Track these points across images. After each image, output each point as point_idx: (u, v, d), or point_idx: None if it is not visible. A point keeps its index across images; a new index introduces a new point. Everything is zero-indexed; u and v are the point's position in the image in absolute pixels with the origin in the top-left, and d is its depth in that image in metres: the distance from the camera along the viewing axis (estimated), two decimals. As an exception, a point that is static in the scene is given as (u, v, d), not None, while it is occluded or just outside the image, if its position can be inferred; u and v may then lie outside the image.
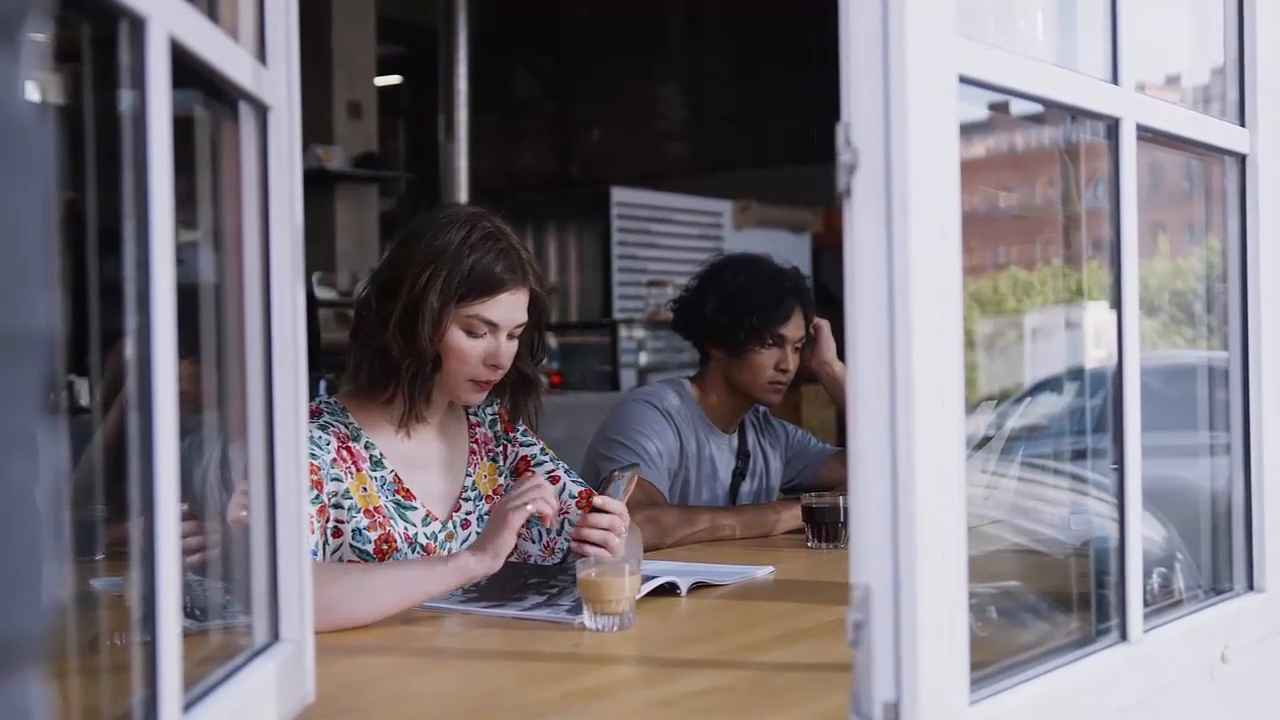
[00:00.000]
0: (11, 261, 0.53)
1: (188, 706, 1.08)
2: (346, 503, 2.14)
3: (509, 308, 2.20)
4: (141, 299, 1.00)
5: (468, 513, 2.32)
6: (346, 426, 2.21)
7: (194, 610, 1.37)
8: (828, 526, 2.63)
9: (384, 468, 2.22)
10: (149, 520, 1.01)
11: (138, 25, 0.99)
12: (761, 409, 3.19)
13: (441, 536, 2.25)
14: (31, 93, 0.56)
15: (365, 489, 2.18)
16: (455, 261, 2.15)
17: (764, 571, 2.34)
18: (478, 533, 2.29)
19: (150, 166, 1.00)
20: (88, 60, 1.01)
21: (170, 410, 1.02)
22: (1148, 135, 1.57)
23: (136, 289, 1.00)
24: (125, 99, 1.01)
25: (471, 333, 2.18)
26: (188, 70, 1.10)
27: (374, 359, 2.19)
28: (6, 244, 0.53)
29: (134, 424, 1.01)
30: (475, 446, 2.37)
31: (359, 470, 2.18)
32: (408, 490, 2.23)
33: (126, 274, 1.02)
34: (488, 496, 2.34)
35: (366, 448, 2.22)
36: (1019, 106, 1.53)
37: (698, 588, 2.17)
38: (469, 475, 2.34)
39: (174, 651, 1.01)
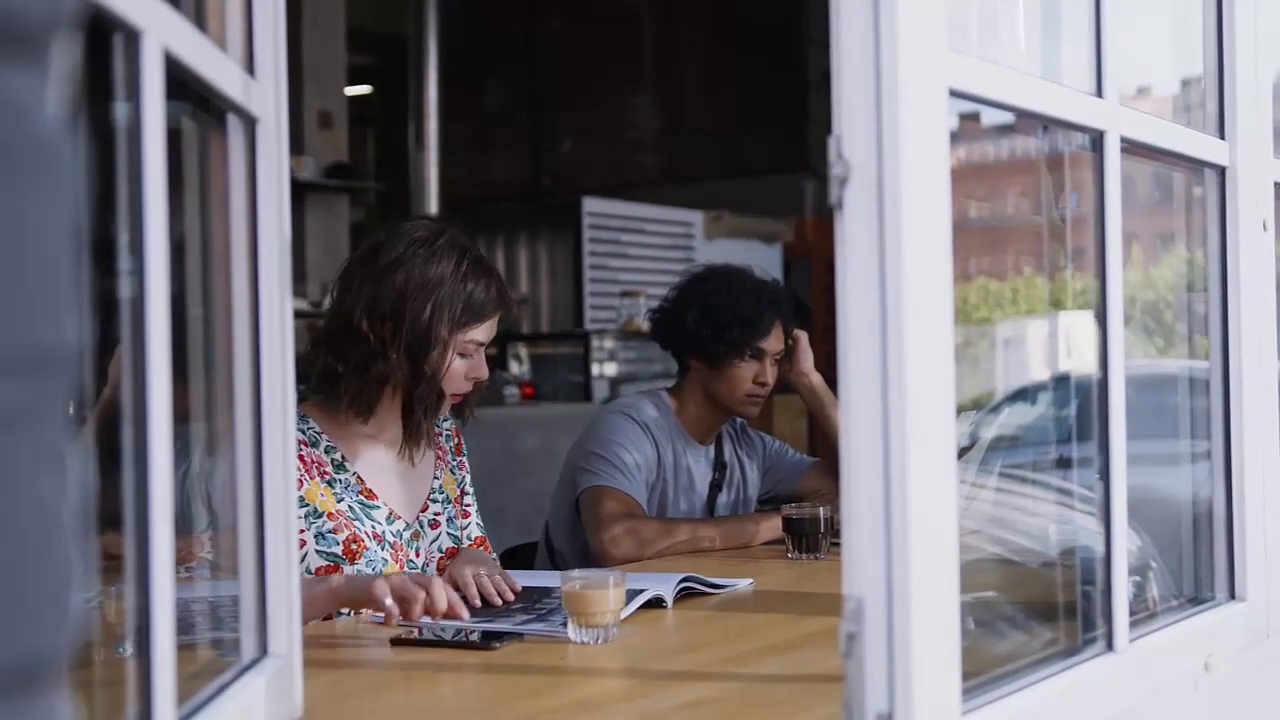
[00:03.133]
0: (42, 278, 0.53)
1: (180, 723, 1.07)
2: (303, 510, 2.16)
3: (493, 327, 2.32)
4: (136, 310, 0.99)
5: (435, 513, 2.39)
6: (304, 432, 2.25)
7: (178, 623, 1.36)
8: (808, 537, 2.63)
9: (347, 470, 2.27)
10: (142, 535, 1.00)
11: (132, 37, 0.98)
12: (739, 420, 3.20)
13: (407, 535, 2.31)
14: (58, 110, 0.56)
15: (324, 494, 2.22)
16: (455, 292, 2.24)
17: (745, 584, 2.34)
18: (448, 533, 2.39)
19: (145, 178, 1.00)
20: (81, 71, 1.01)
21: (164, 422, 1.01)
22: (1130, 148, 1.58)
23: (131, 300, 0.99)
24: (118, 110, 1.01)
25: (463, 355, 2.28)
26: (177, 82, 1.10)
27: (375, 385, 2.24)
28: (37, 261, 0.53)
29: (127, 437, 1.00)
30: (440, 452, 2.45)
31: (313, 478, 2.23)
32: (370, 490, 2.28)
33: (118, 284, 1.01)
34: (454, 501, 2.43)
35: (327, 452, 2.27)
36: (989, 116, 1.54)
37: (684, 595, 2.17)
38: (436, 478, 2.41)
39: (168, 667, 1.01)
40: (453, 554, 2.40)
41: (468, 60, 9.72)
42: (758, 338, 2.98)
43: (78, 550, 0.57)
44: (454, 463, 2.48)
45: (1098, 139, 1.52)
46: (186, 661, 1.32)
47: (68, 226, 0.56)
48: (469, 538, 2.43)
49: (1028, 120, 1.58)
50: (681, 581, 2.18)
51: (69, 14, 0.57)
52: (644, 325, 3.26)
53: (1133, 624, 1.55)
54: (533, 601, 2.12)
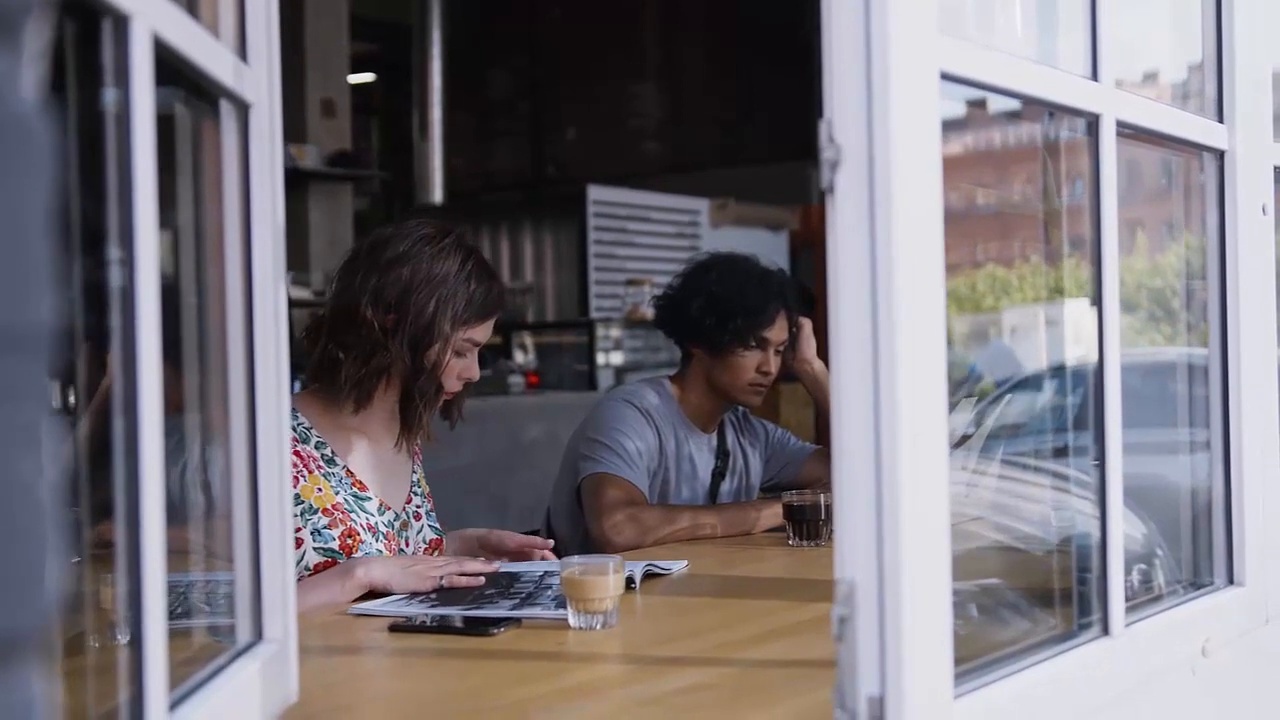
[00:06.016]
0: (18, 258, 0.54)
1: (173, 706, 1.08)
2: (299, 507, 2.17)
3: (490, 329, 2.36)
4: (126, 299, 0.99)
5: (417, 506, 2.44)
6: (294, 429, 2.26)
7: (174, 610, 1.37)
8: (809, 524, 2.63)
9: (337, 465, 2.29)
10: (133, 520, 1.00)
11: (121, 22, 0.98)
12: (741, 408, 3.19)
13: (397, 525, 2.36)
14: (32, 90, 0.56)
15: (320, 489, 2.25)
16: (459, 290, 2.27)
17: (679, 566, 2.37)
18: (429, 525, 2.44)
19: (134, 164, 1.00)
20: (69, 57, 1.01)
21: (155, 410, 1.01)
22: (1127, 132, 1.57)
23: (121, 288, 0.99)
24: (108, 96, 1.01)
25: (459, 353, 2.31)
26: (168, 68, 1.10)
27: (375, 375, 2.27)
28: (13, 241, 0.53)
29: (118, 426, 1.00)
30: (417, 450, 2.49)
31: (311, 472, 2.25)
32: (361, 482, 2.31)
33: (108, 274, 1.01)
34: (427, 496, 2.48)
35: (317, 447, 2.29)
36: (996, 104, 1.54)
37: (686, 582, 2.19)
38: (415, 473, 2.46)
39: (160, 651, 1.01)
40: (436, 545, 2.44)
41: (471, 49, 9.71)
42: (761, 327, 2.98)
43: (55, 528, 0.57)
44: (422, 460, 2.53)
45: (1093, 123, 1.51)
46: (182, 646, 1.33)
47: (42, 207, 0.56)
48: (423, 541, 2.45)
49: (1029, 106, 1.58)
50: (645, 572, 2.22)
51: None
52: (649, 313, 3.29)
53: (1130, 609, 1.55)
54: (506, 587, 2.12)
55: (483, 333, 2.33)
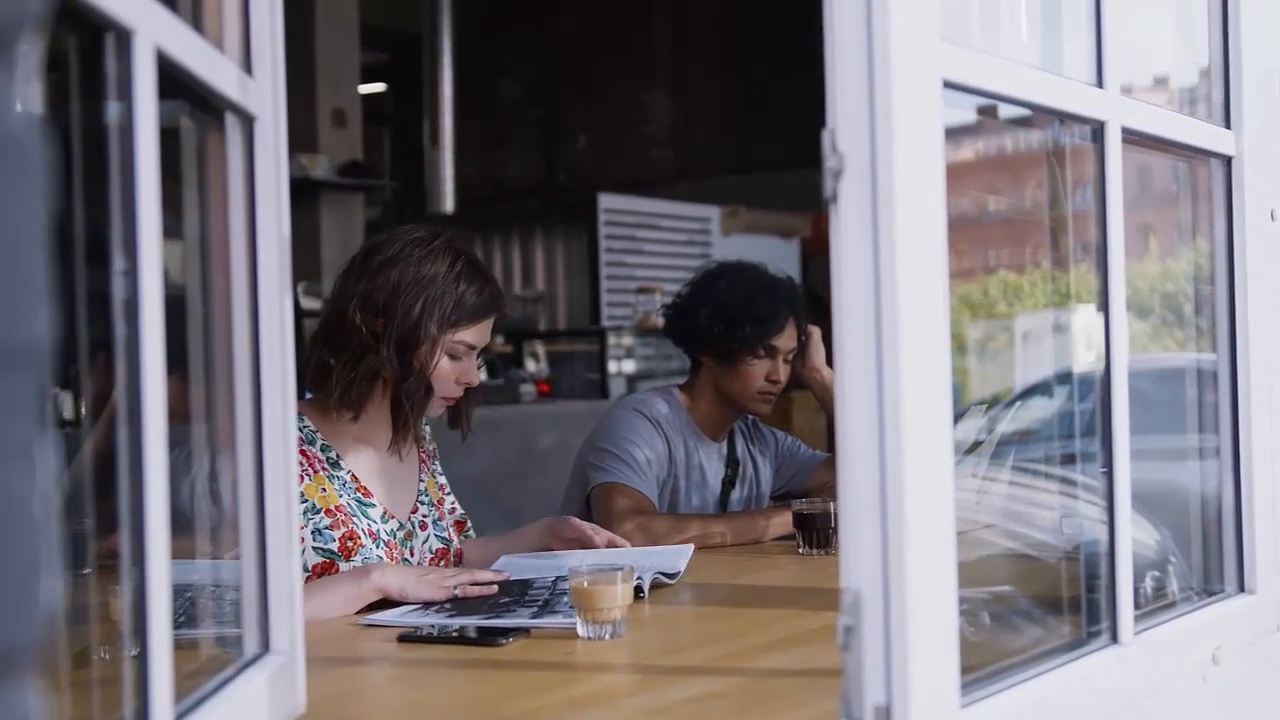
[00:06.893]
0: (12, 274, 0.54)
1: (179, 717, 1.08)
2: (302, 506, 2.18)
3: (487, 331, 2.35)
4: (130, 311, 1.00)
5: (423, 515, 2.43)
6: (301, 431, 2.26)
7: (180, 620, 1.37)
8: (818, 532, 2.63)
9: (342, 469, 2.30)
10: (138, 532, 1.01)
11: (124, 37, 0.99)
12: (751, 416, 3.19)
13: (401, 535, 2.35)
14: (27, 105, 0.56)
15: (324, 490, 2.26)
16: (447, 291, 2.27)
17: (685, 554, 2.40)
18: (435, 535, 2.43)
19: (137, 177, 1.00)
20: (73, 70, 1.01)
21: (159, 422, 1.01)
22: (1133, 138, 1.57)
23: (125, 300, 1.00)
24: (111, 110, 1.01)
25: (453, 356, 2.31)
26: (173, 81, 1.10)
27: (365, 379, 2.27)
28: (7, 257, 0.53)
29: (123, 437, 1.01)
30: (424, 457, 2.49)
31: (316, 472, 2.26)
32: (366, 489, 2.32)
33: (113, 285, 1.01)
34: (437, 504, 2.47)
35: (323, 450, 2.29)
36: (1006, 110, 1.54)
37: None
38: (421, 481, 2.45)
39: (165, 663, 1.01)
40: (442, 554, 2.43)
41: (481, 57, 9.72)
42: (770, 335, 2.98)
43: (49, 543, 0.57)
44: (434, 467, 2.52)
45: (1098, 130, 1.51)
46: (189, 658, 1.33)
47: (38, 224, 0.56)
48: (455, 522, 2.47)
49: (1036, 112, 1.57)
50: (652, 581, 2.21)
51: (36, 13, 0.57)
52: (660, 321, 3.33)
53: (1140, 616, 1.55)
54: (520, 595, 2.12)
55: (475, 335, 2.31)
